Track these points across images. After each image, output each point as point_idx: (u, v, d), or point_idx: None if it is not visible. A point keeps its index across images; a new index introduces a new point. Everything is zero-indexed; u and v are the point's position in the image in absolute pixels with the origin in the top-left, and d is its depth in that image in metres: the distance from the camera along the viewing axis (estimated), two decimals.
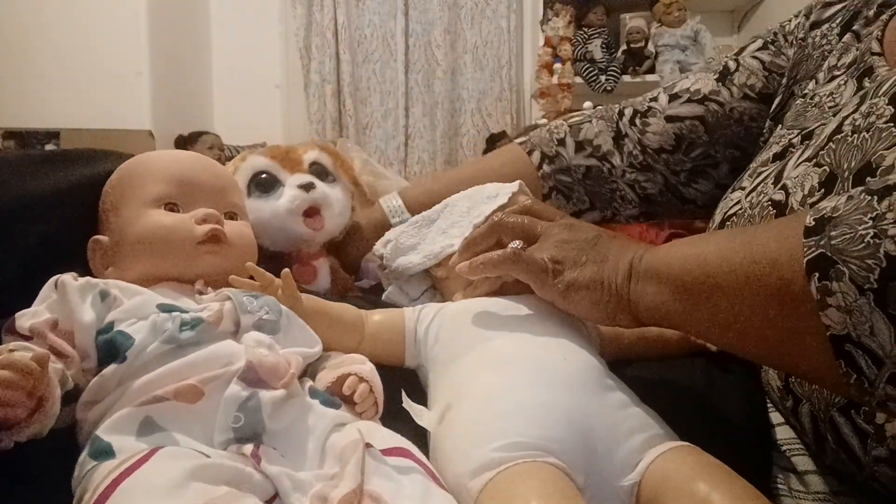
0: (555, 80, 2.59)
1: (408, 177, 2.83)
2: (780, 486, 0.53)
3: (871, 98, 0.51)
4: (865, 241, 0.35)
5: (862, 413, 0.46)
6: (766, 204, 0.57)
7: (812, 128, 0.61)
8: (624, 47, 2.68)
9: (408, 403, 0.52)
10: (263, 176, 0.81)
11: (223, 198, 0.62)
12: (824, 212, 0.38)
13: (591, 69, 2.62)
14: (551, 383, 0.49)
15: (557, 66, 2.61)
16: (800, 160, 0.56)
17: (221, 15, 3.04)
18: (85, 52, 2.42)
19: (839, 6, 0.72)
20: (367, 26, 2.97)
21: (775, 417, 0.58)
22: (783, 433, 0.56)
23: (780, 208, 0.55)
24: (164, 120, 2.50)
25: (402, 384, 0.55)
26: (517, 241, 0.56)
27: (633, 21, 2.67)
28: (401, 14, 2.93)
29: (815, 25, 0.74)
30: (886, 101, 0.48)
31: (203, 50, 3.02)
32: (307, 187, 0.80)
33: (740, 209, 0.63)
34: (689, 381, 0.59)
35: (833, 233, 0.36)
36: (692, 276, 0.45)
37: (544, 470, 0.42)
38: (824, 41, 0.71)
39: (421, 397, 0.55)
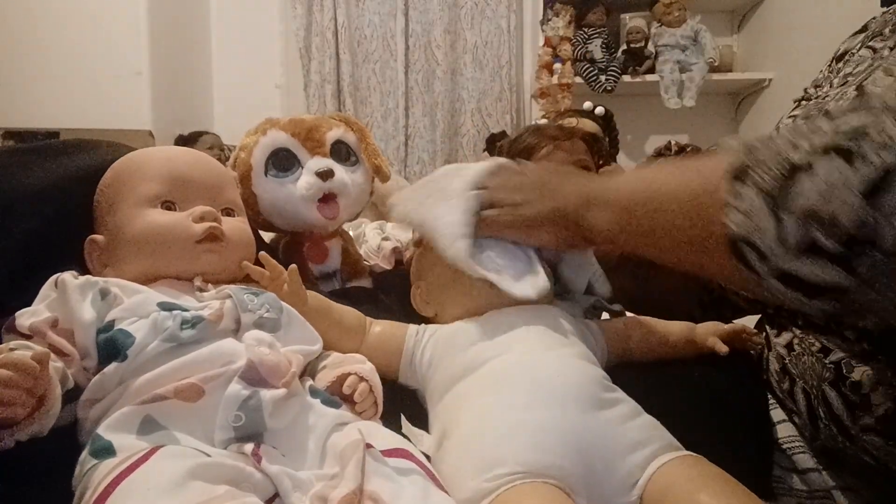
0: (555, 80, 2.58)
1: (408, 177, 2.82)
2: (782, 485, 0.53)
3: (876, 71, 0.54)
4: (781, 154, 0.39)
5: (848, 385, 0.48)
6: None
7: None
8: (624, 47, 2.67)
9: (407, 428, 0.52)
10: (282, 154, 0.80)
11: (219, 194, 0.61)
12: (766, 134, 0.42)
13: (591, 69, 2.61)
14: (547, 402, 0.48)
15: (557, 66, 2.60)
16: None
17: (221, 15, 3.03)
18: (85, 52, 2.41)
19: (862, 35, 0.73)
20: (367, 26, 2.96)
21: (776, 415, 0.58)
22: (784, 431, 0.56)
23: None
24: (164, 120, 2.49)
25: (404, 399, 0.55)
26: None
27: (633, 21, 2.66)
28: (401, 14, 2.92)
29: (841, 58, 0.74)
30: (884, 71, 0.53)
31: (203, 50, 3.01)
32: (325, 175, 0.78)
33: None
34: (690, 382, 0.59)
35: (760, 146, 0.41)
36: (637, 197, 0.51)
37: (542, 489, 0.42)
38: (849, 56, 0.72)
39: (424, 413, 0.55)
